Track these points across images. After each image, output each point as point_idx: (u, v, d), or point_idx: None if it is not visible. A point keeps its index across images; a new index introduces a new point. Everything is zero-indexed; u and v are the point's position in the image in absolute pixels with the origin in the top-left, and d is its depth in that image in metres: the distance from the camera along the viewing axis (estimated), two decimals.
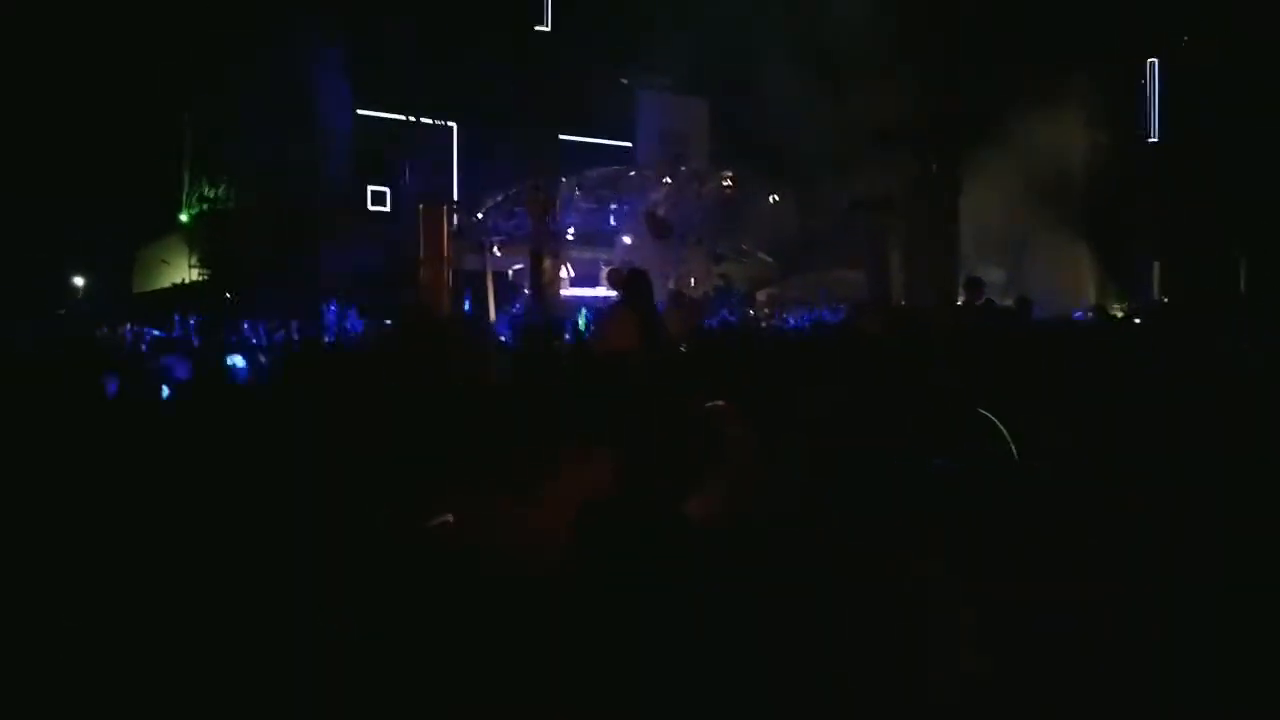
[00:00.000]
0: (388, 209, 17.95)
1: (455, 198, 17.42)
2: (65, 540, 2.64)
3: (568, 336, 10.06)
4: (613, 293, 11.17)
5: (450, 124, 18.77)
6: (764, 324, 14.95)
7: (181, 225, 17.09)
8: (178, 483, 3.05)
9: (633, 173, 18.44)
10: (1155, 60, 20.93)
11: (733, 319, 15.19)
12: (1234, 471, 3.26)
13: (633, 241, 18.07)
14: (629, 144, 21.51)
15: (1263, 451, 3.43)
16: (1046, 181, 17.52)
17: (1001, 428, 3.69)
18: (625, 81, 21.19)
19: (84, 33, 14.47)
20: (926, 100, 16.73)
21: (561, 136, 20.13)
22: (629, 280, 6.22)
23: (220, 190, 16.67)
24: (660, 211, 18.20)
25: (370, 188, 17.98)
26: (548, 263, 15.95)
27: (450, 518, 2.46)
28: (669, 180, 18.32)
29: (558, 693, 2.01)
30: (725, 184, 18.54)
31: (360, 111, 17.79)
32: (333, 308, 13.56)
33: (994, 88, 17.41)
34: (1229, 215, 17.75)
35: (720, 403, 2.66)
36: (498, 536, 2.43)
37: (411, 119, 17.53)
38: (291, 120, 16.20)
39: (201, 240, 16.64)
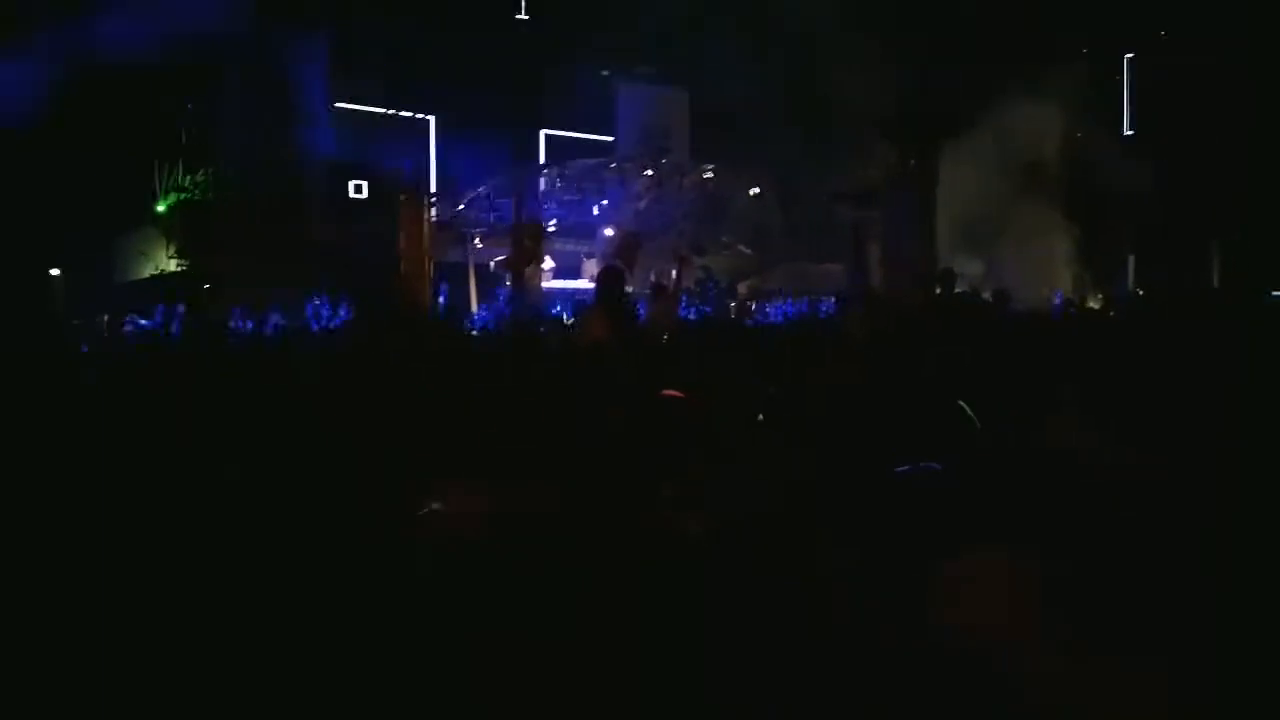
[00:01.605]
0: (365, 196, 17.81)
1: (433, 190, 17.31)
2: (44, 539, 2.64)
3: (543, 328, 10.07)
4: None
5: (428, 117, 18.74)
6: (746, 317, 14.97)
7: (158, 216, 16.92)
8: (161, 477, 3.05)
9: (614, 165, 18.41)
10: (1130, 55, 21.13)
11: (709, 310, 15.24)
12: (1222, 469, 3.25)
13: (614, 234, 18.06)
14: (610, 138, 21.46)
15: (1247, 447, 3.43)
16: (1024, 174, 17.63)
17: (974, 417, 3.72)
18: (606, 73, 21.12)
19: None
20: (906, 93, 16.80)
21: (544, 131, 20.19)
22: (599, 277, 6.25)
23: (196, 180, 16.53)
24: (641, 205, 18.20)
25: (350, 181, 17.82)
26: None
27: (438, 507, 2.47)
28: (650, 173, 18.30)
29: (552, 684, 2.03)
30: (706, 176, 18.54)
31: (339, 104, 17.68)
32: (324, 304, 13.50)
33: (972, 81, 17.50)
34: (1203, 208, 17.95)
35: (675, 393, 2.66)
36: (486, 526, 2.44)
37: (390, 112, 17.43)
38: (270, 110, 16.07)
39: (178, 231, 16.49)
